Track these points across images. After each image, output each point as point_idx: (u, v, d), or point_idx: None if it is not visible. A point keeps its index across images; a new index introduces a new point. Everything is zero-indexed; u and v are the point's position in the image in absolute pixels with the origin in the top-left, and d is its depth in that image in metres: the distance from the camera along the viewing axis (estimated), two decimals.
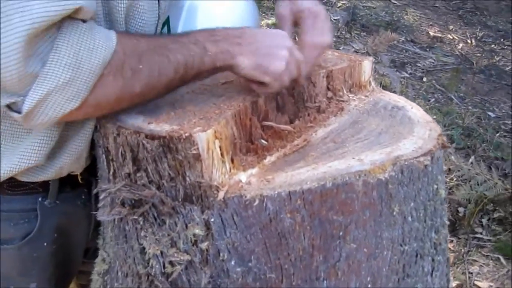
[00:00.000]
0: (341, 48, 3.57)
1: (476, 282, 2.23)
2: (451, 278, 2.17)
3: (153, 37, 0.81)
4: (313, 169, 0.79)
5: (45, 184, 0.82)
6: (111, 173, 0.75)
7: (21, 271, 0.84)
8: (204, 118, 0.75)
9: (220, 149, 0.74)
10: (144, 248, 0.73)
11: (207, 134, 0.70)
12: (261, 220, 0.74)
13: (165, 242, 0.73)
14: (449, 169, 2.79)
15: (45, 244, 0.85)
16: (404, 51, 4.15)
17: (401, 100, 1.09)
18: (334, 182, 0.76)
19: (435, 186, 0.90)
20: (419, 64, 3.97)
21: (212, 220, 0.72)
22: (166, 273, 0.74)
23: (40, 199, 0.83)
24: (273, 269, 0.78)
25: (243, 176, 0.75)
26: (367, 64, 1.14)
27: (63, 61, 0.62)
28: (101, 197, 0.68)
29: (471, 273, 2.29)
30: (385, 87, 3.54)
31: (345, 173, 0.78)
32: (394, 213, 0.84)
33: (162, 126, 0.72)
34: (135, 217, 0.72)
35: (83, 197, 0.91)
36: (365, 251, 0.84)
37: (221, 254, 0.74)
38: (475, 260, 2.36)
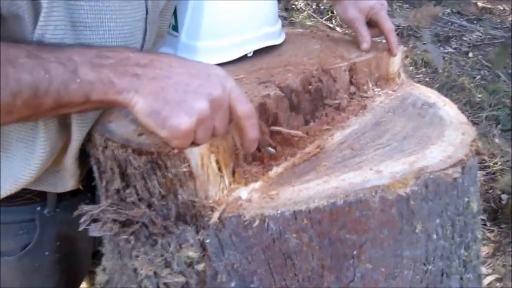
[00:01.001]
0: None
1: None
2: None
3: (5, 45, 0.58)
4: (324, 182, 0.71)
5: (42, 194, 0.78)
6: (103, 185, 0.70)
7: (23, 282, 0.82)
8: None
9: (218, 163, 0.66)
10: (136, 268, 0.68)
11: (200, 149, 0.63)
12: (263, 240, 0.67)
13: (158, 263, 0.67)
14: (493, 154, 2.61)
15: (47, 253, 0.82)
16: (449, 24, 3.89)
17: (432, 95, 0.98)
18: (346, 199, 0.68)
19: (466, 199, 0.79)
20: (465, 38, 3.72)
21: (208, 241, 0.66)
22: None
23: (38, 208, 0.80)
24: None
25: (243, 192, 0.68)
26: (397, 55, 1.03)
27: None
28: (81, 220, 0.63)
29: None
30: (426, 64, 3.34)
31: (360, 188, 0.69)
32: (417, 230, 0.75)
33: (153, 138, 0.65)
34: (125, 236, 0.67)
35: (87, 202, 0.86)
36: (383, 271, 0.76)
37: (219, 276, 0.68)
38: None
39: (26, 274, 0.81)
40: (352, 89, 0.97)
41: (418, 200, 0.73)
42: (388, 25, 0.99)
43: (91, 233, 0.68)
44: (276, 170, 0.74)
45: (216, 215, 0.63)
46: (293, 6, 3.74)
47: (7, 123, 0.63)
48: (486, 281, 2.07)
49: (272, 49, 1.02)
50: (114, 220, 0.67)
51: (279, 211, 0.66)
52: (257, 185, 0.70)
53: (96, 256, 1.00)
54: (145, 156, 0.62)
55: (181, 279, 0.67)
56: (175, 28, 0.94)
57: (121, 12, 0.69)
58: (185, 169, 0.61)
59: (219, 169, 0.67)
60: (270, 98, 0.81)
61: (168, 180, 0.63)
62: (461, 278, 0.84)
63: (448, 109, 0.92)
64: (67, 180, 0.75)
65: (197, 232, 0.65)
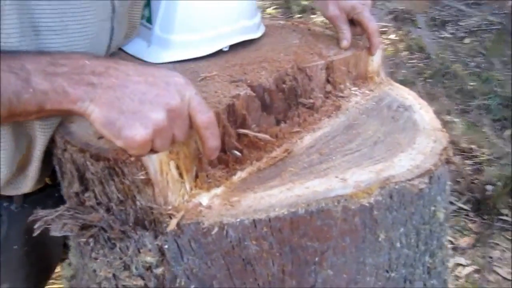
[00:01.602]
0: (375, 7, 3.31)
1: (495, 268, 2.13)
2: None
3: None
4: (288, 189, 0.70)
5: None
6: (65, 186, 0.69)
7: None
8: None
9: (178, 169, 0.66)
10: (95, 270, 0.68)
11: (159, 156, 0.62)
12: (222, 247, 0.67)
13: (117, 266, 0.67)
14: (481, 144, 2.62)
15: (15, 247, 0.82)
16: (447, 7, 3.83)
17: (410, 97, 0.97)
18: (308, 209, 0.67)
19: (432, 208, 0.79)
20: (461, 23, 3.67)
21: (166, 246, 0.65)
22: None
23: (5, 204, 0.79)
24: None
25: (204, 198, 0.67)
26: (376, 53, 1.01)
27: None
28: (36, 226, 0.63)
29: (491, 257, 2.18)
30: (421, 49, 3.31)
31: (322, 198, 0.68)
32: (380, 239, 0.75)
33: (112, 143, 0.64)
34: (84, 239, 0.66)
35: (56, 194, 0.85)
36: (345, 277, 0.76)
37: (178, 280, 0.68)
38: (497, 244, 2.24)
39: None
40: (328, 88, 0.96)
41: (382, 210, 0.72)
42: (371, 25, 0.97)
43: (52, 232, 0.67)
44: (240, 175, 0.73)
45: (174, 222, 0.63)
46: None
47: None
48: (465, 271, 2.10)
49: (249, 43, 0.99)
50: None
51: (238, 219, 0.65)
52: (219, 190, 0.70)
53: (67, 246, 1.00)
54: (103, 162, 0.61)
55: (140, 282, 0.67)
56: (149, 20, 0.91)
57: (85, 12, 0.67)
58: (142, 177, 0.61)
59: (180, 174, 0.66)
60: (239, 99, 0.79)
61: (126, 186, 0.62)
62: (425, 284, 0.85)
63: (424, 113, 0.91)
64: (31, 182, 0.74)
65: (156, 237, 0.65)
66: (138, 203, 0.63)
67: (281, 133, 0.83)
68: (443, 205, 0.83)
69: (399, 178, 0.73)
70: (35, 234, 0.62)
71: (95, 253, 0.68)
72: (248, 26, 0.97)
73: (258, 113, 0.84)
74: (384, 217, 0.73)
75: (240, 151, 0.76)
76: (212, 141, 0.63)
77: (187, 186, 0.67)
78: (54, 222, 0.62)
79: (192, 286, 0.70)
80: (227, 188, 0.70)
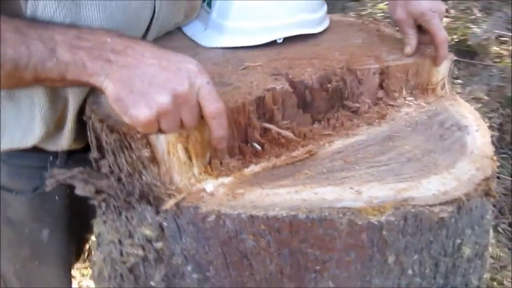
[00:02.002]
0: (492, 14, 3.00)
1: None
2: None
3: (1, 22, 0.61)
4: (296, 192, 0.69)
5: None
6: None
7: (34, 218, 0.92)
8: None
9: (188, 152, 0.67)
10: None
11: (167, 137, 0.64)
12: (219, 235, 0.68)
13: (123, 232, 0.72)
14: None
15: (57, 198, 0.91)
16: None
17: (470, 117, 0.88)
18: (309, 215, 0.65)
19: (458, 241, 0.72)
20: None
21: (166, 224, 0.68)
22: (123, 261, 0.74)
23: (51, 158, 0.88)
24: (233, 284, 0.73)
25: (209, 185, 0.68)
26: (443, 64, 0.93)
27: None
28: (47, 181, 0.69)
29: None
30: None
31: (327, 207, 0.66)
32: (389, 261, 0.70)
33: None
34: (96, 202, 0.72)
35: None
36: None
37: (175, 258, 0.71)
38: None
39: (36, 212, 0.91)
40: (380, 94, 0.90)
41: (393, 231, 0.68)
42: (440, 34, 0.88)
43: (76, 191, 0.74)
44: (253, 168, 0.73)
45: (171, 202, 0.65)
46: None
47: None
48: None
49: (308, 37, 0.97)
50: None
51: (236, 212, 0.66)
52: (227, 180, 0.70)
53: None
54: (116, 133, 0.65)
55: (141, 252, 0.71)
56: (209, 4, 0.94)
57: None
58: (146, 154, 0.63)
59: (189, 158, 0.68)
60: (273, 92, 0.79)
61: (134, 160, 0.66)
62: None
63: (479, 136, 0.82)
64: (68, 140, 0.81)
65: (157, 213, 0.68)
66: (144, 178, 0.67)
67: (311, 133, 0.80)
68: (474, 240, 0.75)
69: (419, 201, 0.67)
70: (47, 189, 0.69)
71: (105, 216, 0.73)
72: (307, 20, 0.95)
73: (294, 110, 0.83)
74: (395, 239, 0.68)
75: (262, 145, 0.76)
76: (219, 131, 0.63)
77: (196, 170, 0.69)
78: (65, 181, 0.67)
79: (189, 267, 0.72)
80: (236, 179, 0.71)
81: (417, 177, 0.72)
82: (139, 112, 0.59)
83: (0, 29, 0.59)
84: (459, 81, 2.89)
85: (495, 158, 0.77)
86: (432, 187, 0.70)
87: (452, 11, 3.29)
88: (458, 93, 2.84)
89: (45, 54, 0.60)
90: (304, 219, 0.66)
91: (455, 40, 3.06)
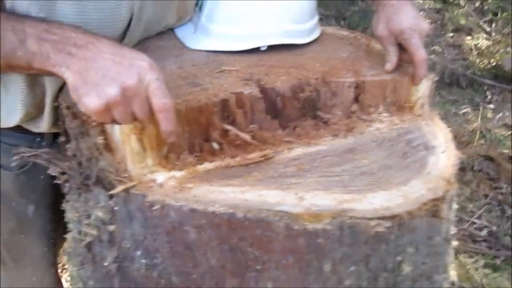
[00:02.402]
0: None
1: None
2: None
3: None
4: (241, 192, 0.72)
5: None
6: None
7: (20, 194, 1.00)
8: None
9: (143, 143, 0.72)
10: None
11: (122, 128, 0.69)
12: (165, 224, 0.72)
13: (82, 212, 0.77)
14: None
15: (42, 177, 0.98)
16: None
17: (441, 138, 0.87)
18: (246, 215, 0.68)
19: (398, 258, 0.72)
20: None
21: (117, 208, 0.73)
22: (81, 239, 0.79)
23: (38, 139, 0.95)
24: (179, 274, 0.76)
25: (160, 176, 0.73)
26: (423, 83, 0.93)
27: None
28: (12, 159, 0.75)
29: None
30: None
31: (265, 209, 0.68)
32: (326, 269, 0.72)
33: None
34: (60, 182, 0.78)
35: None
36: None
37: (125, 242, 0.76)
38: None
39: (23, 189, 0.99)
40: (354, 107, 0.92)
41: (329, 240, 0.69)
42: (418, 53, 0.89)
43: (49, 171, 0.80)
44: (206, 166, 0.76)
45: (119, 188, 0.70)
46: (453, 0, 3.40)
47: None
48: None
49: (295, 47, 1.00)
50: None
51: (178, 204, 0.69)
52: (178, 174, 0.74)
53: None
54: (77, 120, 0.71)
55: (95, 232, 0.76)
56: (201, 8, 0.98)
57: None
58: (100, 141, 0.69)
59: (144, 149, 0.73)
60: (242, 96, 0.82)
61: (92, 146, 0.71)
62: None
63: (443, 157, 0.82)
64: (47, 123, 0.88)
65: (110, 197, 0.73)
66: (100, 163, 0.72)
67: (273, 139, 0.83)
68: (419, 259, 0.75)
69: (357, 213, 0.68)
70: (12, 165, 0.75)
71: (68, 196, 0.79)
72: (293, 31, 0.98)
73: (262, 115, 0.86)
74: (332, 248, 0.70)
75: (221, 145, 0.79)
76: (166, 125, 0.68)
77: (150, 161, 0.74)
78: (30, 159, 0.74)
79: (138, 252, 0.76)
80: (187, 174, 0.75)
81: (364, 190, 0.73)
82: (89, 101, 0.65)
83: None
84: (490, 106, 2.80)
85: (452, 181, 0.77)
86: (376, 202, 0.71)
87: (493, 33, 3.19)
88: (486, 117, 2.76)
89: (16, 44, 0.67)
90: (242, 218, 0.68)
91: (492, 64, 2.97)
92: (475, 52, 3.14)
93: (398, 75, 0.93)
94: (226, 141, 0.80)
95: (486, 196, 2.42)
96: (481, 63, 3.06)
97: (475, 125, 2.73)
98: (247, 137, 0.79)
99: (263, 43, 0.96)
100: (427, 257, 0.76)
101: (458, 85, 2.99)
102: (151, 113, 0.68)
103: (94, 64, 0.66)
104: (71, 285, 0.89)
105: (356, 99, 0.92)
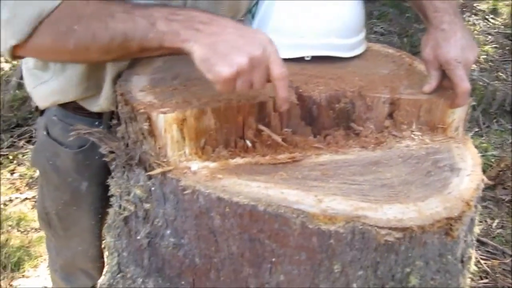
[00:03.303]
0: None
1: None
2: None
3: (108, 3, 0.78)
4: (265, 188, 0.78)
5: (100, 112, 1.04)
6: None
7: (76, 170, 1.11)
8: (186, 102, 0.82)
9: (183, 133, 0.80)
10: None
11: (166, 117, 0.78)
12: (193, 208, 0.79)
13: (124, 189, 0.86)
14: None
15: (97, 157, 1.08)
16: None
17: (469, 162, 0.89)
18: (266, 208, 0.74)
19: (407, 270, 0.76)
20: None
21: (153, 189, 0.81)
22: (120, 213, 0.88)
23: (96, 123, 1.06)
24: (202, 256, 0.84)
25: (195, 165, 0.80)
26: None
27: (6, 2, 0.75)
28: (70, 134, 0.85)
29: None
30: None
31: (284, 205, 0.74)
32: (335, 270, 0.76)
33: (146, 96, 0.82)
34: (108, 159, 0.87)
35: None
36: None
37: (157, 220, 0.84)
38: None
39: (79, 167, 1.10)
40: (387, 123, 0.95)
41: (341, 243, 0.74)
42: (461, 86, 0.90)
43: (100, 149, 0.91)
44: (237, 160, 0.83)
45: (158, 170, 0.78)
46: None
47: (105, 61, 0.88)
48: None
49: (338, 60, 1.05)
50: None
51: (207, 191, 0.77)
52: (212, 164, 0.82)
53: None
54: (128, 106, 0.80)
55: (133, 208, 0.85)
56: (254, 16, 1.06)
57: None
58: (146, 127, 0.77)
59: (184, 139, 0.81)
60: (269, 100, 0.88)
61: (138, 131, 0.80)
62: None
63: (467, 180, 0.84)
64: (106, 102, 0.99)
65: (149, 178, 0.81)
66: (144, 147, 0.81)
67: (303, 143, 0.88)
68: (428, 275, 0.77)
69: (369, 221, 0.72)
70: (70, 139, 0.85)
71: (114, 173, 0.88)
72: (338, 44, 1.03)
73: (297, 120, 0.92)
74: (343, 251, 0.74)
75: (253, 143, 0.86)
76: (283, 92, 0.78)
77: (187, 150, 0.81)
78: (84, 135, 0.84)
79: (168, 231, 0.84)
80: (220, 165, 0.82)
81: (381, 201, 0.77)
82: (221, 69, 0.72)
83: (113, 10, 0.77)
84: None
85: (471, 203, 0.79)
86: (390, 213, 0.75)
87: None
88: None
89: (148, 27, 0.75)
90: (262, 211, 0.75)
91: None
92: None
93: (434, 96, 0.96)
94: (259, 141, 0.86)
95: None
96: None
97: None
98: (278, 138, 0.85)
99: (308, 53, 1.02)
100: (437, 274, 0.79)
101: None
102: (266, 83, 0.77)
103: (221, 37, 0.74)
104: (107, 254, 0.99)
105: (391, 115, 0.96)
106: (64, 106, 1.06)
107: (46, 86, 1.02)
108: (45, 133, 1.11)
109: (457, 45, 0.94)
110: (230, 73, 0.72)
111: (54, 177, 1.14)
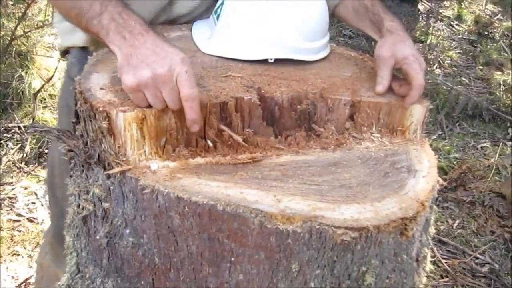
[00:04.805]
0: None
1: None
2: None
3: None
4: (225, 187, 0.78)
5: None
6: None
7: None
8: None
9: (143, 132, 0.79)
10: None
11: (126, 116, 0.77)
12: (153, 208, 0.79)
13: (82, 187, 0.85)
14: None
15: None
16: None
17: (426, 164, 0.92)
18: (225, 208, 0.74)
19: (363, 269, 0.77)
20: None
21: (112, 188, 0.80)
22: (78, 212, 0.87)
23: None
24: (161, 256, 0.83)
25: (155, 164, 0.80)
26: (417, 109, 0.98)
27: None
28: (27, 130, 0.83)
29: None
30: None
31: (243, 205, 0.74)
32: (293, 269, 0.77)
33: (106, 95, 0.81)
34: (66, 158, 0.86)
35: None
36: None
37: (117, 219, 0.83)
38: None
39: None
40: (348, 125, 0.97)
41: (299, 242, 0.75)
42: (417, 78, 0.95)
43: (59, 147, 0.89)
44: (197, 160, 0.83)
45: (116, 169, 0.77)
46: (488, 33, 3.39)
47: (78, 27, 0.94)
48: None
49: (302, 62, 1.06)
50: None
51: (166, 190, 0.76)
52: (172, 164, 0.81)
53: None
54: (87, 104, 0.79)
55: (91, 207, 0.84)
56: (218, 17, 1.06)
57: None
58: (104, 125, 0.76)
59: (144, 138, 0.80)
60: (241, 101, 0.89)
61: (97, 129, 0.79)
62: None
63: (423, 181, 0.86)
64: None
65: (108, 177, 0.80)
66: (103, 145, 0.80)
67: (264, 144, 0.89)
68: (384, 273, 0.79)
69: (326, 221, 0.74)
70: (27, 135, 0.85)
71: (72, 172, 0.87)
72: (302, 48, 1.04)
73: (258, 121, 0.92)
74: (300, 250, 0.75)
75: (214, 143, 0.86)
76: (190, 113, 0.79)
77: (147, 149, 0.81)
78: (41, 133, 0.82)
79: (127, 230, 0.84)
80: (180, 165, 0.81)
81: (339, 201, 0.78)
82: (127, 78, 0.78)
83: None
84: (510, 143, 2.78)
85: (426, 204, 0.81)
86: (347, 213, 0.76)
87: None
88: (504, 153, 2.74)
89: (96, 14, 0.85)
90: (221, 210, 0.75)
91: None
92: (502, 88, 3.12)
93: (394, 99, 0.98)
94: (220, 140, 0.87)
95: (492, 232, 2.41)
96: (507, 99, 3.05)
97: (491, 160, 2.72)
98: (239, 139, 0.85)
99: (271, 56, 1.02)
100: (392, 273, 0.81)
101: (480, 119, 2.98)
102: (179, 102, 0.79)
103: (138, 51, 0.80)
104: (66, 254, 0.97)
105: (352, 117, 0.98)
106: (82, 49, 1.12)
107: (65, 23, 1.07)
108: (66, 75, 1.20)
109: (412, 47, 1.00)
110: (131, 83, 0.78)
111: (68, 120, 1.16)
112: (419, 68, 0.95)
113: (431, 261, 1.02)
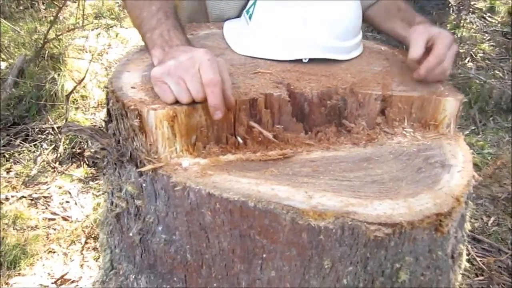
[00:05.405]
0: None
1: None
2: None
3: None
4: (256, 184, 0.78)
5: None
6: None
7: None
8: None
9: (173, 130, 0.80)
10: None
11: (156, 114, 0.78)
12: (184, 205, 0.80)
13: (115, 185, 0.86)
14: None
15: None
16: None
17: (461, 158, 0.89)
18: (257, 205, 0.74)
19: (397, 265, 0.76)
20: None
21: (145, 185, 0.81)
22: (112, 209, 0.88)
23: None
24: (193, 253, 0.84)
25: (186, 161, 0.80)
26: (451, 102, 0.96)
27: None
28: (62, 130, 0.85)
29: None
30: None
31: (274, 201, 0.74)
32: (325, 266, 0.76)
33: (137, 93, 0.82)
34: (99, 156, 0.87)
35: None
36: (288, 285, 0.80)
37: (149, 216, 0.84)
38: None
39: None
40: (379, 120, 0.96)
41: (331, 238, 0.74)
42: (440, 47, 0.96)
43: (92, 146, 0.91)
44: (228, 157, 0.83)
45: (148, 167, 0.78)
46: None
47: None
48: None
49: (334, 60, 1.05)
50: None
51: (198, 187, 0.77)
52: (203, 161, 0.82)
53: None
54: (119, 103, 0.80)
55: (124, 204, 0.85)
56: (251, 16, 1.05)
57: None
58: (136, 124, 0.77)
59: (174, 136, 0.81)
60: (271, 97, 0.89)
61: (129, 127, 0.80)
62: None
63: (458, 176, 0.84)
64: None
65: (140, 175, 0.82)
66: (134, 143, 0.81)
67: (295, 140, 0.89)
68: (418, 270, 0.78)
69: (359, 217, 0.73)
70: (61, 135, 0.86)
71: (105, 170, 0.88)
72: (336, 47, 1.02)
73: (288, 117, 0.92)
74: (332, 246, 0.75)
75: (245, 140, 0.86)
76: (211, 99, 0.78)
77: (178, 147, 0.81)
78: (75, 133, 0.84)
79: (159, 227, 0.84)
80: (210, 162, 0.82)
81: (371, 197, 0.77)
82: (153, 70, 0.82)
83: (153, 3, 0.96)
84: None
85: (461, 199, 0.79)
86: (380, 209, 0.75)
87: None
88: None
89: (149, 29, 0.93)
90: (252, 207, 0.75)
91: None
92: None
93: (426, 93, 0.96)
94: (250, 137, 0.86)
95: None
96: None
97: None
98: (269, 135, 0.85)
99: (304, 55, 1.01)
100: (427, 270, 0.79)
101: None
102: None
103: (170, 62, 0.82)
104: (100, 251, 0.99)
105: (383, 112, 0.96)
106: None
107: None
108: None
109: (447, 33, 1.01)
110: (155, 73, 0.81)
111: None
112: (446, 43, 0.96)
113: (466, 259, 1.00)
